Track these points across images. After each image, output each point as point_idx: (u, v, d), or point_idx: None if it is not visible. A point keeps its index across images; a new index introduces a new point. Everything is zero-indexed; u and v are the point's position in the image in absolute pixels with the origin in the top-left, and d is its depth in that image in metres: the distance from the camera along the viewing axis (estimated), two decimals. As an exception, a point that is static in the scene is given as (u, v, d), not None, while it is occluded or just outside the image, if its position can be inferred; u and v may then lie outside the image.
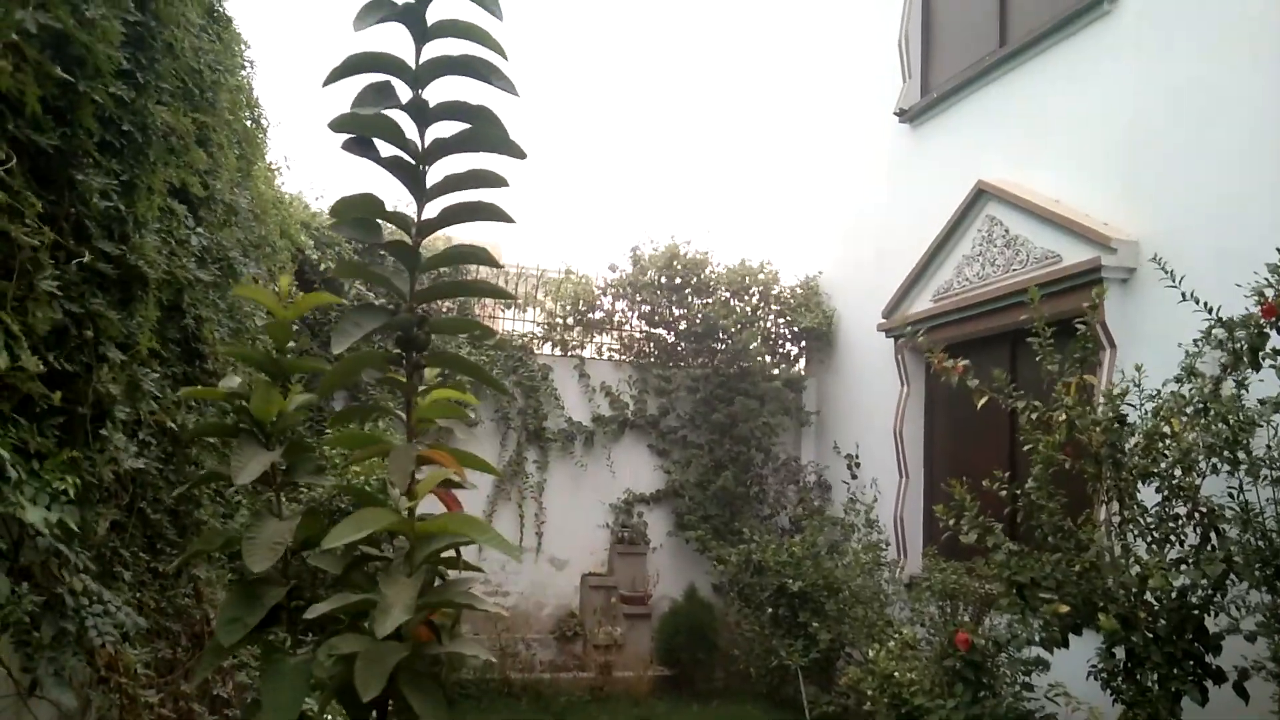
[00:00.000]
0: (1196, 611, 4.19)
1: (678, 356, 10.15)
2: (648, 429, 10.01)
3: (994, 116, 7.48)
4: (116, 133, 2.70)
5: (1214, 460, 4.22)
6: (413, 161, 1.97)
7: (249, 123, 5.21)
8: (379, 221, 2.07)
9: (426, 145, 1.97)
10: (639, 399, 10.00)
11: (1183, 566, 4.21)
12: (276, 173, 6.78)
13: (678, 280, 10.15)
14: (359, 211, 1.97)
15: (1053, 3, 6.81)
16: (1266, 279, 4.04)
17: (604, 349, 10.36)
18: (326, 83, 1.88)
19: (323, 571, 2.08)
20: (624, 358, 10.25)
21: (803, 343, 10.51)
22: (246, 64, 5.16)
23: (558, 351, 10.12)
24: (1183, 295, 4.38)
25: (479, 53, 1.93)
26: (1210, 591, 4.12)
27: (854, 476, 8.67)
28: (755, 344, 9.81)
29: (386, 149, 2.01)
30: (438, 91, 1.97)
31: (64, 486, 2.14)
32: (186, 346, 3.72)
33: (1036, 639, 4.55)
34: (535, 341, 10.02)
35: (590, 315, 10.23)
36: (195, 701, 3.70)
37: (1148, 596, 4.34)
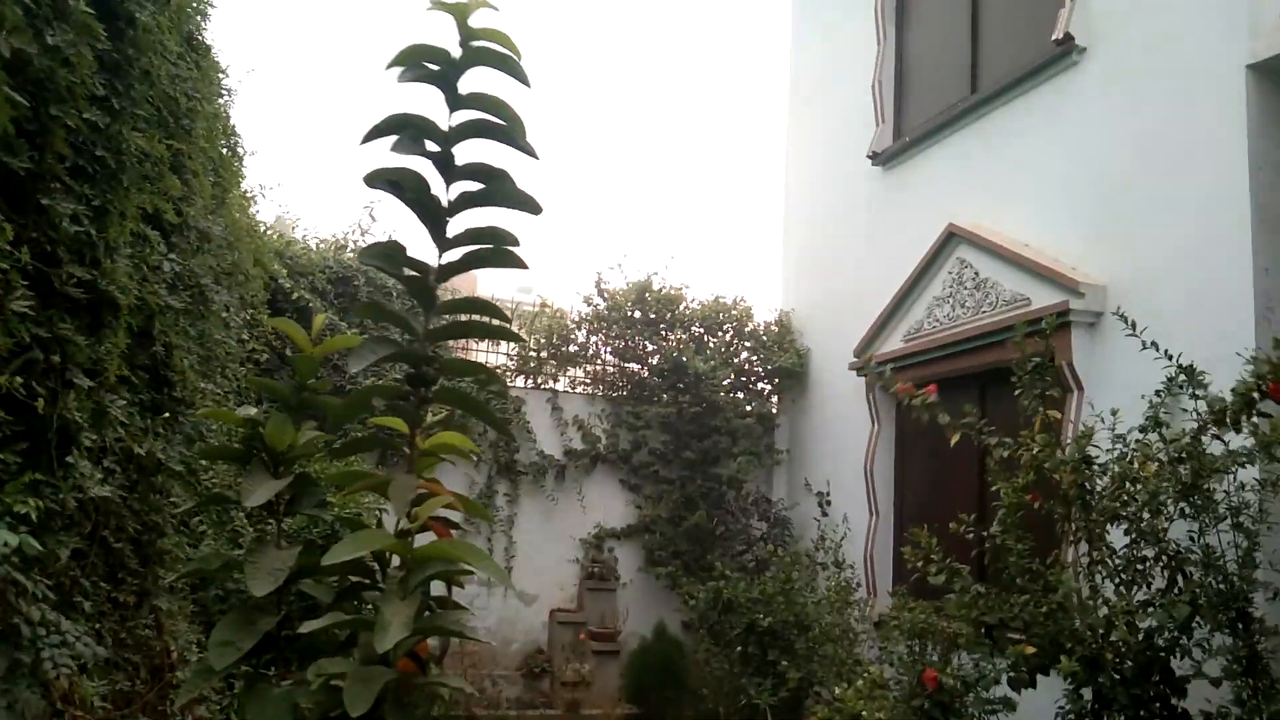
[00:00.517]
0: (1163, 654, 4.21)
1: (650, 391, 10.16)
2: (619, 463, 9.99)
3: (965, 161, 7.60)
4: (90, 158, 2.69)
5: (1181, 504, 4.27)
6: (437, 212, 2.16)
7: (225, 150, 5.21)
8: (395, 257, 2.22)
9: (451, 199, 2.14)
10: (611, 433, 9.98)
11: (1150, 608, 4.24)
12: (251, 201, 6.76)
13: (651, 315, 10.18)
14: (384, 257, 2.15)
15: (1023, 51, 6.96)
16: (1269, 356, 4.02)
17: (577, 382, 10.35)
18: (365, 140, 2.05)
19: (313, 604, 2.14)
20: (597, 391, 10.24)
21: (775, 380, 10.55)
22: (224, 92, 5.17)
23: (530, 384, 10.09)
24: (1143, 344, 4.48)
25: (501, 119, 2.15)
26: (1176, 634, 4.15)
27: (824, 514, 8.67)
28: (727, 382, 9.83)
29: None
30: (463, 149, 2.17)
31: (25, 510, 2.11)
32: (155, 374, 3.69)
33: (1004, 679, 4.55)
34: (509, 374, 9.99)
35: (565, 349, 10.23)
36: (153, 736, 3.62)
37: (1114, 638, 4.36)
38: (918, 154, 8.26)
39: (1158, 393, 4.51)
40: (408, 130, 2.06)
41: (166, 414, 3.72)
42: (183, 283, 3.96)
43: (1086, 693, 4.37)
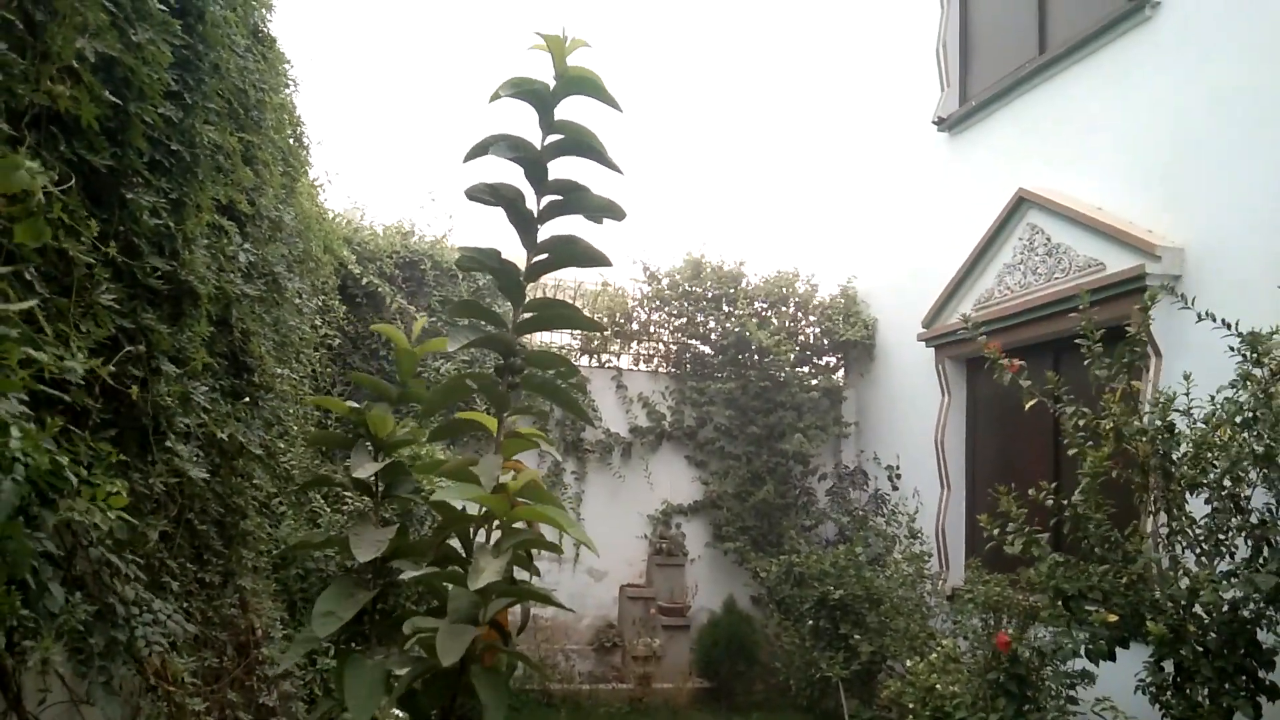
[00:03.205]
0: (1249, 625, 4.11)
1: (713, 367, 10.15)
2: (685, 440, 10.01)
3: (1033, 124, 7.42)
4: (166, 152, 2.76)
5: (1264, 470, 4.14)
6: (529, 219, 2.43)
7: (292, 140, 5.30)
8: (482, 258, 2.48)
9: (541, 207, 2.41)
10: (676, 410, 10.00)
11: (1233, 579, 4.13)
12: (319, 189, 6.89)
13: (711, 292, 10.15)
14: (479, 262, 2.40)
15: (1092, 9, 6.75)
16: None
17: (640, 360, 10.38)
18: (468, 159, 2.33)
19: (402, 584, 2.34)
20: (660, 369, 10.26)
21: (841, 353, 10.46)
22: (290, 83, 5.26)
23: (594, 363, 10.15)
24: (1198, 316, 4.34)
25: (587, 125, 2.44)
26: (1263, 605, 4.04)
27: (895, 488, 8.60)
28: (790, 356, 9.77)
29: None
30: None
31: (115, 490, 2.19)
32: (234, 360, 3.79)
33: (1082, 651, 4.48)
34: (573, 353, 10.06)
35: (627, 326, 10.26)
36: (242, 710, 3.75)
37: (1197, 609, 4.26)
38: (984, 118, 8.08)
39: (1233, 348, 4.37)
40: (503, 142, 2.32)
41: (246, 399, 3.82)
42: (257, 271, 4.05)
43: (1168, 665, 4.29)
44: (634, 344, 10.34)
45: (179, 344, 2.85)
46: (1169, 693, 4.27)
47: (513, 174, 2.47)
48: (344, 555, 6.04)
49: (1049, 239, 6.86)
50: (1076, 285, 6.35)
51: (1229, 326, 4.27)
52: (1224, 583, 4.13)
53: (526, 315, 2.48)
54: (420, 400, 2.54)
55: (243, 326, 3.74)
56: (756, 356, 9.88)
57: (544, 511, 2.03)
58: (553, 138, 2.36)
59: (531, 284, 2.50)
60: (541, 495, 2.30)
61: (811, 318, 10.36)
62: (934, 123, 8.66)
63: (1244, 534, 4.23)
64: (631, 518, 9.73)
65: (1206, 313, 4.32)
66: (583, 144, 2.34)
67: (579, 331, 10.18)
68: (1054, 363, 6.94)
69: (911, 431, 8.88)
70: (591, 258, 2.41)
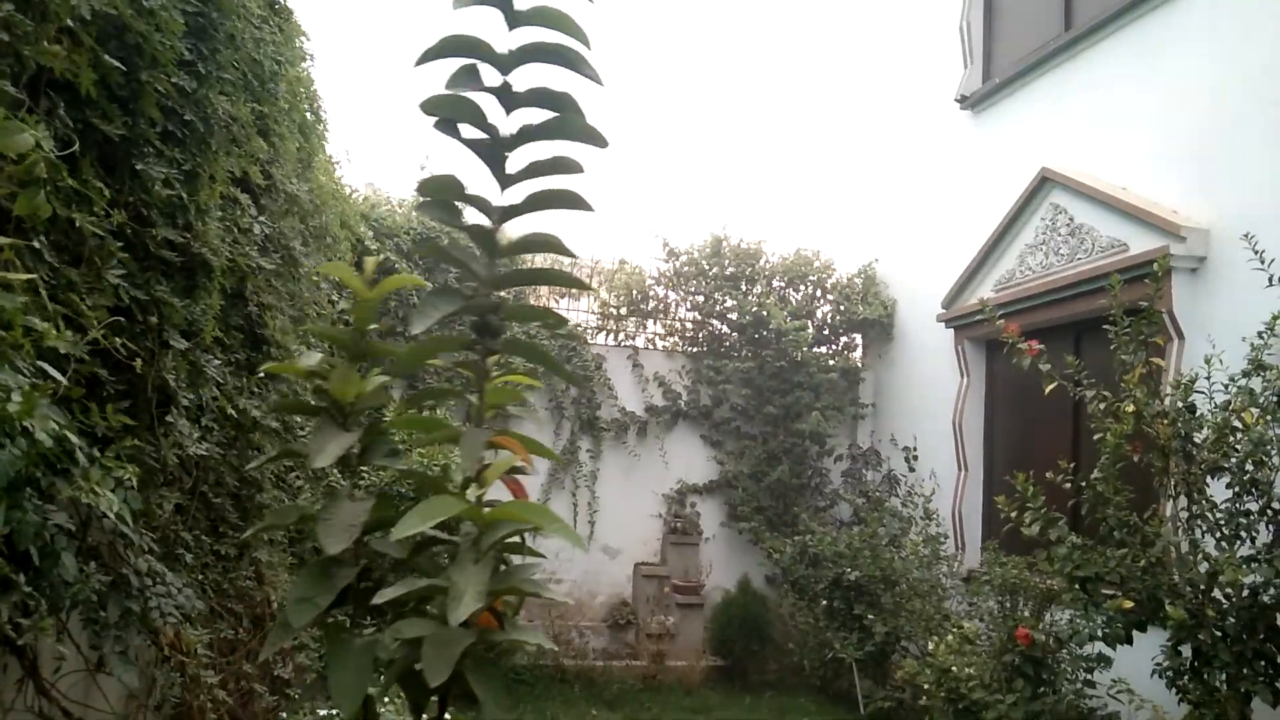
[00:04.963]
0: (1269, 610, 4.06)
1: (730, 347, 10.11)
2: (701, 419, 9.99)
3: (1058, 102, 7.31)
4: (179, 122, 2.74)
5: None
6: (496, 146, 1.97)
7: (309, 114, 5.28)
8: (459, 206, 2.04)
9: (511, 132, 1.95)
10: (692, 389, 9.98)
11: (1254, 563, 4.08)
12: (336, 165, 6.87)
13: (730, 270, 10.10)
14: (442, 192, 1.96)
15: (1121, -16, 6.63)
16: None
17: (657, 338, 10.35)
18: (419, 63, 1.89)
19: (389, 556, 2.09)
20: (677, 348, 10.22)
21: (860, 332, 10.40)
22: (307, 56, 5.23)
23: (610, 341, 10.13)
24: (1270, 280, 4.24)
25: (565, 40, 1.92)
26: (1284, 590, 4.00)
27: (911, 469, 8.55)
28: (808, 336, 9.71)
29: (471, 132, 2.00)
30: (522, 77, 1.97)
31: (124, 474, 2.18)
32: (250, 333, 3.79)
33: (1099, 635, 4.45)
34: (589, 331, 10.04)
35: (643, 305, 10.23)
36: (257, 681, 3.78)
37: (1216, 594, 4.22)
38: (1008, 96, 7.97)
39: (1260, 335, 4.30)
40: (464, 54, 1.89)
41: (261, 373, 3.82)
42: (272, 244, 4.04)
43: (1185, 649, 4.25)
44: (650, 322, 10.31)
45: (191, 316, 2.84)
46: (1186, 677, 4.23)
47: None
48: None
49: (1072, 219, 6.77)
50: (1099, 266, 6.27)
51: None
52: (1244, 567, 4.08)
53: (502, 267, 2.09)
54: (391, 355, 2.18)
55: (258, 300, 3.73)
56: (774, 336, 9.83)
57: (522, 514, 1.82)
58: (521, 36, 1.91)
59: (527, 254, 2.09)
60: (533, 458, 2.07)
61: (830, 297, 10.29)
62: (956, 101, 8.55)
63: (1265, 519, 4.18)
64: (646, 496, 9.72)
65: (1277, 278, 4.25)
66: (553, 49, 1.90)
67: (595, 309, 10.17)
68: (1075, 344, 6.86)
69: (929, 413, 8.82)
70: (575, 200, 1.99)
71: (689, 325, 10.28)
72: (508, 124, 1.99)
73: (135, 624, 2.46)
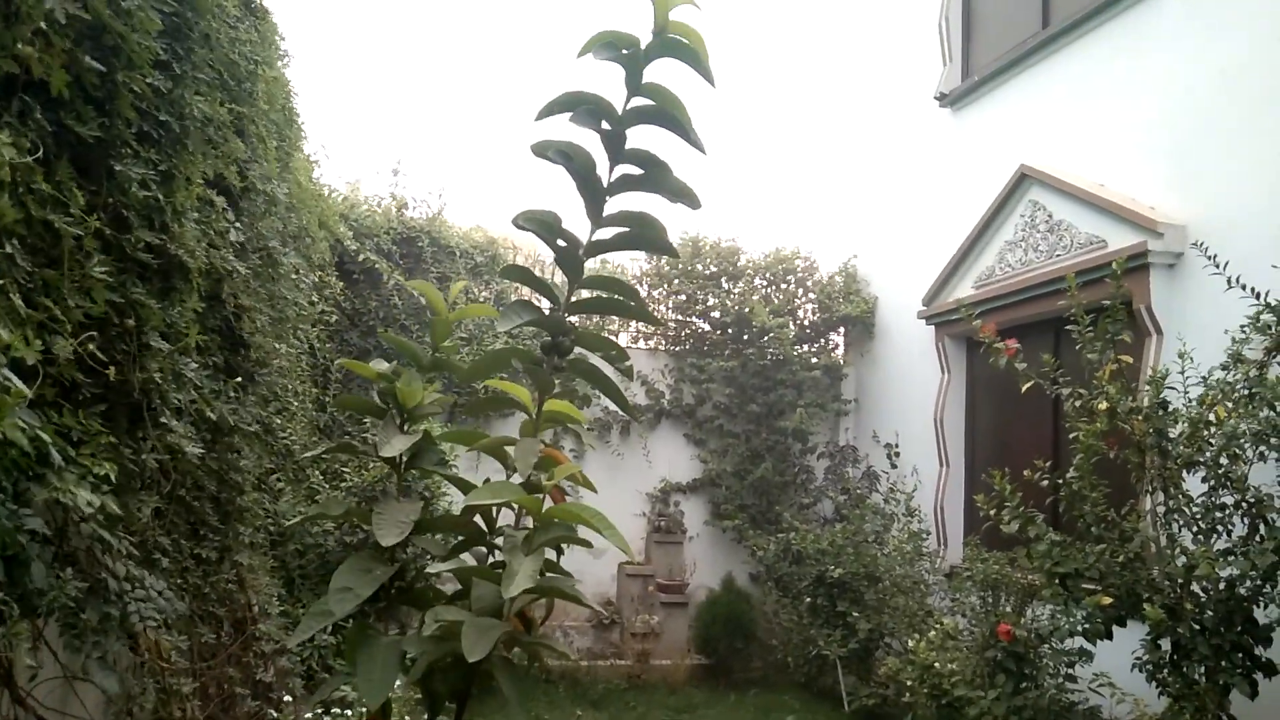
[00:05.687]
0: (1245, 603, 4.10)
1: (713, 345, 10.11)
2: (684, 418, 9.99)
3: (1037, 100, 7.35)
4: (154, 123, 2.72)
5: (1260, 448, 4.12)
6: (596, 189, 2.20)
7: (285, 114, 5.25)
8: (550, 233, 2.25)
9: (613, 179, 2.17)
10: (675, 388, 9.98)
11: (1230, 557, 4.12)
12: (314, 164, 6.83)
13: (711, 270, 10.10)
14: (539, 223, 2.17)
15: (1097, -18, 6.67)
16: None
17: (640, 337, 10.34)
18: (541, 116, 2.06)
19: (425, 557, 2.25)
20: (659, 346, 10.22)
21: (841, 330, 10.42)
22: (284, 56, 5.20)
23: (593, 340, 10.09)
24: (1229, 282, 4.28)
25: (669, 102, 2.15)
26: (1260, 582, 4.03)
27: (893, 465, 8.59)
28: (790, 334, 9.73)
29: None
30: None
31: (103, 472, 2.17)
32: (229, 336, 3.76)
33: (1079, 630, 4.49)
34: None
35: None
36: (239, 685, 3.75)
37: (1194, 588, 4.26)
38: (987, 94, 8.01)
39: (1242, 328, 4.34)
40: (582, 107, 2.08)
41: (239, 377, 3.79)
42: (250, 246, 4.02)
43: (1165, 643, 4.29)
44: (632, 321, 10.29)
45: (169, 319, 2.82)
46: (1166, 670, 4.27)
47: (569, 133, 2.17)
48: (343, 531, 5.99)
49: (1050, 216, 6.81)
50: (1078, 262, 6.31)
51: (1257, 296, 4.24)
52: (1221, 560, 4.12)
53: (583, 294, 2.31)
54: (454, 370, 2.43)
55: (236, 302, 3.71)
56: (757, 334, 9.84)
57: (580, 513, 1.98)
58: (637, 102, 2.11)
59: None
60: (579, 484, 2.25)
61: (812, 295, 10.31)
62: (936, 98, 8.59)
63: (1240, 512, 4.22)
64: (630, 495, 9.71)
65: (1237, 279, 4.28)
66: (667, 114, 2.10)
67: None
68: (1055, 340, 6.91)
69: (911, 409, 8.86)
70: (662, 245, 2.23)
71: (672, 324, 10.28)
72: (612, 173, 2.19)
73: (114, 629, 2.44)
